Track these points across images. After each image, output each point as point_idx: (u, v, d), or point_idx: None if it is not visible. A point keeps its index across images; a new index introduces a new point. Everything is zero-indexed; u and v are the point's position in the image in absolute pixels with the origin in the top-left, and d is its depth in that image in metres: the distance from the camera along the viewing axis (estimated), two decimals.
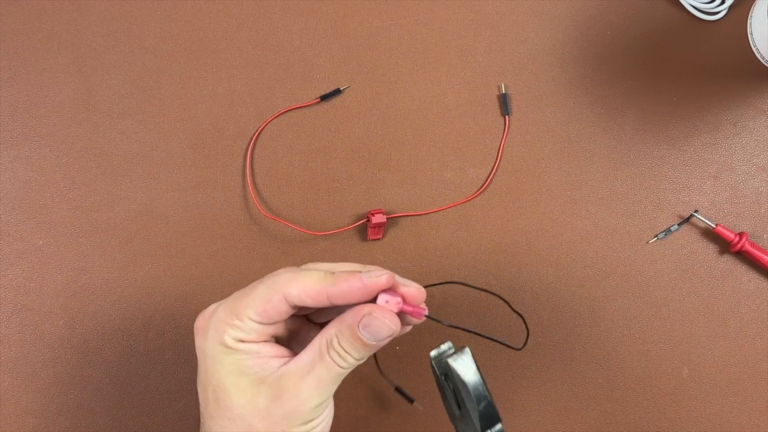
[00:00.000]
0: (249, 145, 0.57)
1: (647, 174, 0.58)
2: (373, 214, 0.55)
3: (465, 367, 0.33)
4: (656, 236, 0.58)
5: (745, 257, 0.57)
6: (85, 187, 0.56)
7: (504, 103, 0.58)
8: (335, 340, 0.34)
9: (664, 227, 0.58)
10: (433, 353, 0.36)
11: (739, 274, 0.57)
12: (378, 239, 0.56)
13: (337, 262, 0.38)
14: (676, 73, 0.59)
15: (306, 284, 0.34)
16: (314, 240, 0.56)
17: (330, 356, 0.34)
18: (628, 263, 0.57)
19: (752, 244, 0.56)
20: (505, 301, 0.54)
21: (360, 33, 0.58)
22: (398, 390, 0.55)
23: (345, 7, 0.58)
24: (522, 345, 0.54)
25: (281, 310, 0.34)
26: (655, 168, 0.58)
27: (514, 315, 0.56)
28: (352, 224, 0.56)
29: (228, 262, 0.56)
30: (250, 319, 0.34)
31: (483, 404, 0.33)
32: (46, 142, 0.56)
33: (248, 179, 0.56)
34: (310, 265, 0.38)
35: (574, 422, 0.56)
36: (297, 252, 0.56)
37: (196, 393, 0.54)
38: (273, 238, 0.56)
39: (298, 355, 0.35)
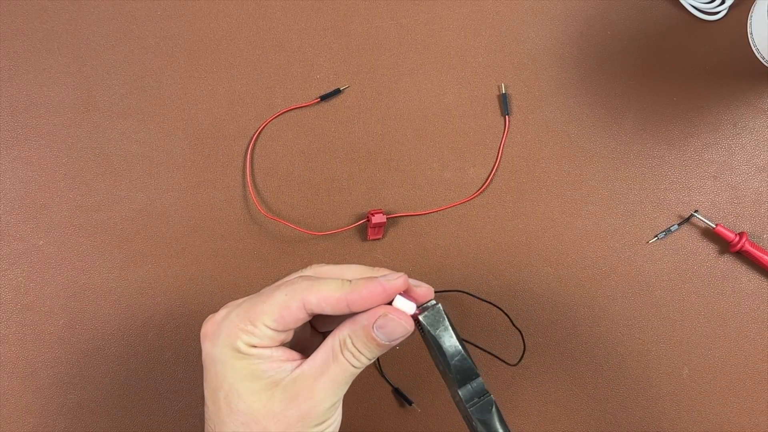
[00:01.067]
0: (249, 145, 0.57)
1: (647, 174, 0.58)
2: (373, 214, 0.55)
3: (435, 322, 0.33)
4: (656, 236, 0.58)
5: (745, 257, 0.57)
6: (85, 187, 0.56)
7: (504, 103, 0.58)
8: (349, 341, 0.35)
9: (664, 227, 0.58)
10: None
11: (739, 274, 0.57)
12: (378, 239, 0.56)
13: (340, 263, 0.38)
14: (676, 73, 0.59)
15: (326, 292, 0.34)
16: (314, 240, 0.56)
17: (344, 356, 0.35)
18: (628, 263, 0.57)
19: (752, 244, 0.56)
20: (507, 316, 0.55)
21: (360, 33, 0.58)
22: (397, 391, 0.55)
23: (345, 7, 0.58)
24: (517, 361, 0.54)
25: (298, 317, 0.35)
26: (655, 168, 0.58)
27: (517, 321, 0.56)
28: (352, 224, 0.56)
29: (228, 262, 0.56)
30: (266, 326, 0.34)
31: (456, 359, 0.33)
32: (46, 142, 0.56)
33: (248, 179, 0.56)
34: (315, 268, 0.39)
35: (574, 422, 0.56)
36: (297, 252, 0.56)
37: (196, 393, 0.54)
38: (273, 238, 0.56)
39: (310, 358, 0.35)
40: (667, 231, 0.58)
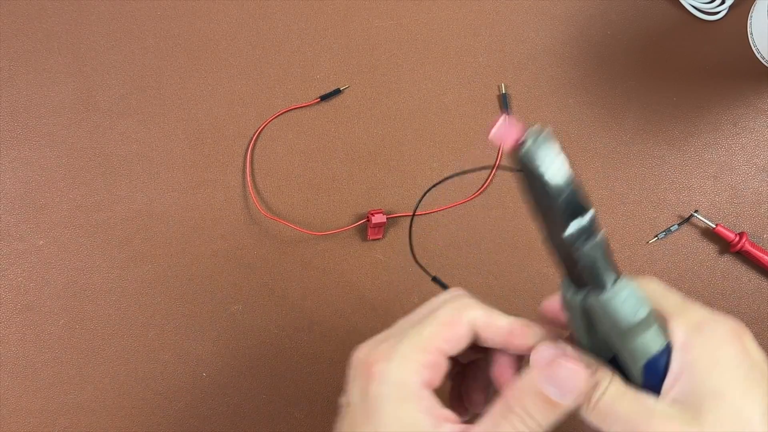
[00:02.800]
0: (249, 145, 0.57)
1: (647, 174, 0.58)
2: (373, 214, 0.55)
3: (544, 148, 0.28)
4: (656, 236, 0.58)
5: (745, 257, 0.57)
6: (85, 187, 0.56)
7: (504, 103, 0.58)
8: (515, 405, 0.29)
9: (664, 227, 0.58)
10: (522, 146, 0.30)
11: (739, 274, 0.57)
12: (378, 239, 0.56)
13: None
14: (676, 73, 0.59)
15: (493, 315, 0.31)
16: (314, 240, 0.56)
17: (511, 425, 0.28)
18: (628, 263, 0.57)
19: (752, 244, 0.56)
20: None
21: (360, 33, 0.58)
22: (435, 280, 0.54)
23: (345, 7, 0.58)
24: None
25: (465, 335, 0.31)
26: (655, 168, 0.58)
27: None
28: (352, 224, 0.56)
29: (228, 262, 0.56)
30: (438, 350, 0.30)
31: (568, 192, 0.28)
32: (46, 142, 0.56)
33: (248, 179, 0.56)
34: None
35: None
36: (297, 252, 0.56)
37: (196, 392, 0.54)
38: (273, 238, 0.56)
39: (475, 425, 0.30)
40: (667, 231, 0.58)
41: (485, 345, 0.32)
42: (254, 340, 0.55)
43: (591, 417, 0.27)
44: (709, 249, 0.58)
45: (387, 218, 0.55)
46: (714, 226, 0.56)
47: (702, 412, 0.25)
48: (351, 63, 0.58)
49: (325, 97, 0.57)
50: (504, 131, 0.27)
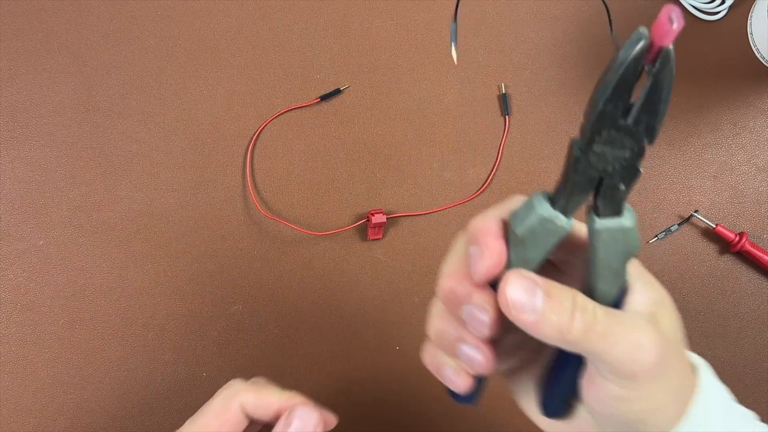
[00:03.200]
0: (249, 145, 0.57)
1: (647, 174, 0.58)
2: (373, 214, 0.55)
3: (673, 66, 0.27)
4: (656, 236, 0.58)
5: (745, 257, 0.57)
6: (85, 187, 0.56)
7: (504, 103, 0.58)
8: None
9: (664, 227, 0.58)
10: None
11: (739, 274, 0.57)
12: (378, 239, 0.56)
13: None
14: (676, 73, 0.59)
15: (262, 395, 0.34)
16: (314, 240, 0.56)
17: None
18: None
19: (752, 244, 0.56)
20: None
21: (360, 33, 0.58)
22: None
23: (345, 7, 0.58)
24: None
25: (237, 419, 0.34)
26: (655, 168, 0.58)
27: None
28: (352, 224, 0.56)
29: (228, 262, 0.56)
30: None
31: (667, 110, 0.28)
32: (46, 142, 0.56)
33: (248, 179, 0.56)
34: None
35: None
36: (297, 252, 0.56)
37: (196, 392, 0.54)
38: (273, 238, 0.56)
39: None
40: (667, 231, 0.58)
41: (263, 422, 0.35)
42: (254, 340, 0.55)
43: (590, 342, 0.27)
44: (709, 249, 0.58)
45: (387, 218, 0.55)
46: (714, 226, 0.56)
47: (661, 315, 0.30)
48: (351, 63, 0.58)
49: (325, 97, 0.57)
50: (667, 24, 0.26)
